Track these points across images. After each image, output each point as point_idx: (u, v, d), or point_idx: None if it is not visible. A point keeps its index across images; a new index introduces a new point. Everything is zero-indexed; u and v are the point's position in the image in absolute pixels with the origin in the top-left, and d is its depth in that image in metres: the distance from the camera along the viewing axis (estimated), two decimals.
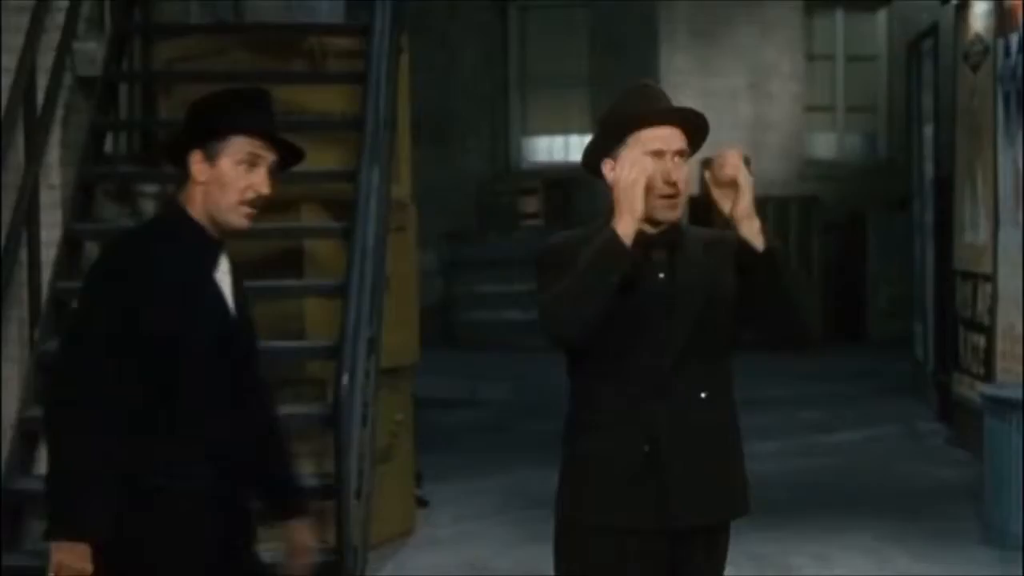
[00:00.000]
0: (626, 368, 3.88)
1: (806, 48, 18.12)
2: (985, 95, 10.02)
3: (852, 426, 11.46)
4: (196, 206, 3.85)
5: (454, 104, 17.98)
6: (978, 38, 10.29)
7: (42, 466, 5.82)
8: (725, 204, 3.85)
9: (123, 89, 7.96)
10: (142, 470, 3.77)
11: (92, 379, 3.68)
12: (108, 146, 7.80)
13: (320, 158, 7.66)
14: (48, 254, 7.02)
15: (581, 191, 15.62)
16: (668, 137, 3.88)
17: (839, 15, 18.35)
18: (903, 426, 11.38)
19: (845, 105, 18.39)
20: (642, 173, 3.80)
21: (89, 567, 3.68)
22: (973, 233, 10.38)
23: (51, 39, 7.18)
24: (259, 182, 3.84)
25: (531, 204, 17.47)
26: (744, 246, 3.85)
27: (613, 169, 3.88)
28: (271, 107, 3.94)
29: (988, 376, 9.64)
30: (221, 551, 3.91)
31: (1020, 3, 9.29)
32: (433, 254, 16.16)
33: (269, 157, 3.87)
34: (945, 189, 11.24)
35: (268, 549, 6.80)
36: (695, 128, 3.93)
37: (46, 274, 6.97)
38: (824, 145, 18.42)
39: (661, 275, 3.91)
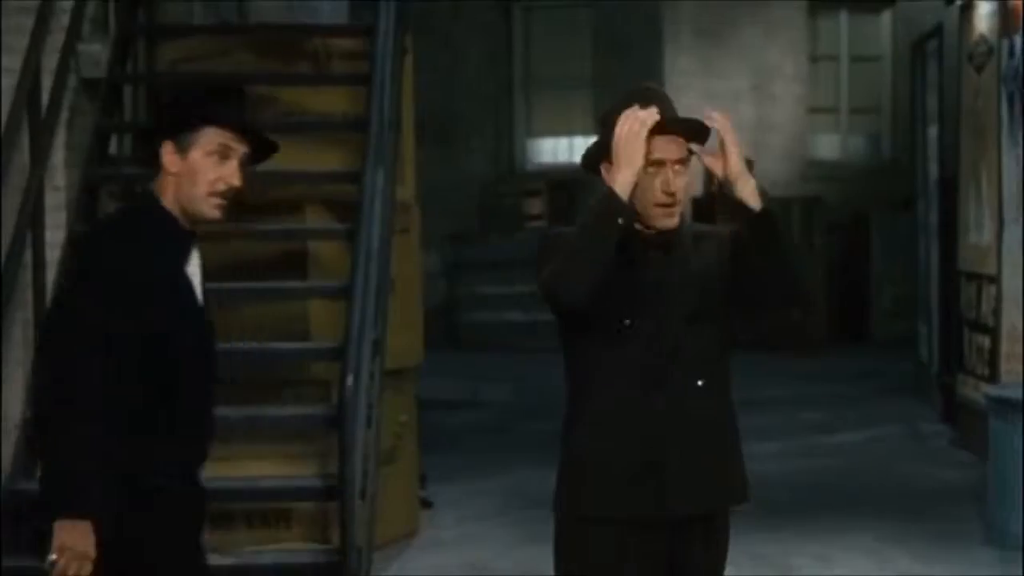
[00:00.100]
0: (623, 362, 3.90)
1: (810, 49, 18.11)
2: (989, 96, 10.01)
3: (854, 427, 11.45)
4: (168, 197, 3.87)
5: (458, 105, 17.98)
6: (982, 39, 10.29)
7: None
8: (717, 167, 3.86)
9: (127, 91, 7.97)
10: (142, 470, 3.77)
11: (90, 379, 3.68)
12: (112, 148, 7.81)
13: (324, 159, 7.69)
14: (52, 256, 7.02)
15: (585, 193, 15.63)
16: (669, 146, 3.89)
17: (843, 16, 18.34)
18: (906, 427, 11.37)
19: (849, 106, 18.38)
20: (643, 125, 3.80)
21: (93, 548, 3.66)
22: (977, 234, 10.38)
23: (55, 40, 7.18)
24: (230, 174, 3.86)
25: (535, 206, 17.46)
26: (741, 211, 3.84)
27: (610, 172, 3.90)
28: (244, 100, 3.96)
29: (992, 377, 9.63)
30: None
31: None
32: (436, 255, 16.15)
33: (241, 149, 3.88)
34: (949, 190, 11.24)
35: (269, 550, 6.83)
36: (697, 132, 3.94)
37: (50, 276, 6.98)
38: (828, 146, 18.41)
39: (656, 269, 3.93)
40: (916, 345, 12.86)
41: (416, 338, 8.27)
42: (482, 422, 12.17)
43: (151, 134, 3.94)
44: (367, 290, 6.86)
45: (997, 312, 9.75)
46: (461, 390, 13.22)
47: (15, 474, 6.57)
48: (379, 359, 7.05)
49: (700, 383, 3.94)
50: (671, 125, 3.88)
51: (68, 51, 7.23)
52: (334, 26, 8.51)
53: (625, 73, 16.20)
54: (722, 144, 3.86)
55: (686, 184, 3.92)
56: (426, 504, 8.65)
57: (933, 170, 12.12)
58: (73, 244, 4.07)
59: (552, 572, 4.05)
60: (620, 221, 3.78)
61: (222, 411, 6.66)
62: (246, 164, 3.91)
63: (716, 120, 3.87)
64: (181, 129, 3.85)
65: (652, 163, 3.86)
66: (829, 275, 16.75)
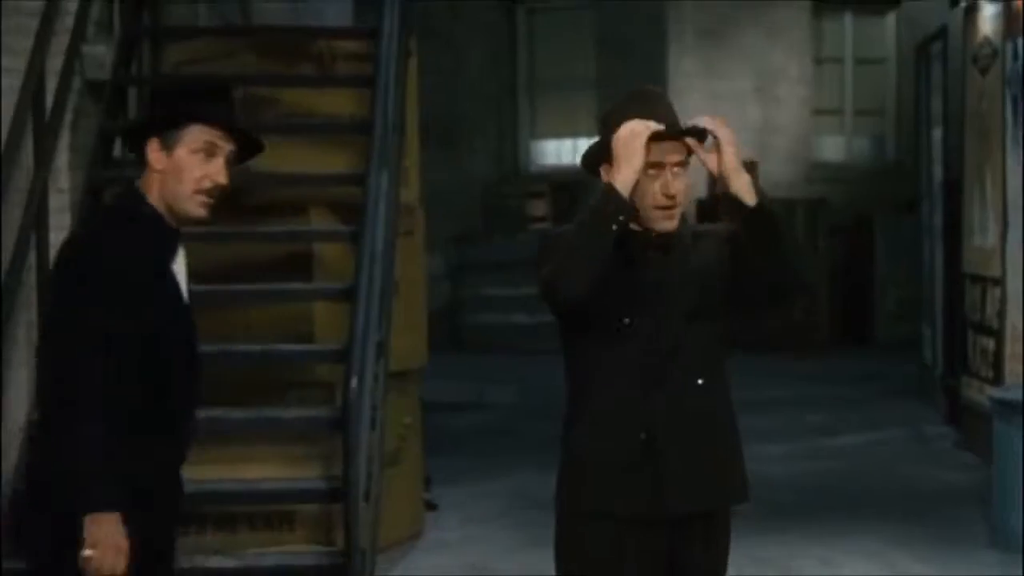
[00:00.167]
0: (623, 361, 3.92)
1: (814, 51, 18.11)
2: (994, 98, 10.01)
3: (858, 429, 11.45)
4: (154, 194, 3.86)
5: (461, 107, 17.98)
6: (987, 41, 10.29)
7: None
8: (712, 163, 3.88)
9: (132, 93, 7.97)
10: (141, 470, 3.77)
11: (92, 379, 3.67)
12: (117, 150, 7.80)
13: (328, 162, 7.70)
14: None
15: (588, 194, 15.60)
16: (667, 149, 3.90)
17: (847, 18, 18.33)
18: (910, 429, 11.36)
19: (853, 108, 18.38)
20: (645, 127, 3.83)
21: (125, 541, 3.65)
22: (982, 236, 10.37)
23: (60, 43, 7.19)
24: (215, 172, 3.85)
25: (538, 207, 17.47)
26: (737, 207, 3.85)
27: (609, 174, 3.92)
28: (231, 98, 3.95)
29: (997, 380, 9.63)
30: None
31: None
32: (440, 257, 16.15)
33: (227, 148, 3.87)
34: (954, 192, 11.23)
35: (272, 552, 6.83)
36: (695, 133, 3.96)
37: None
38: (832, 148, 18.41)
39: (656, 269, 3.95)
40: (920, 347, 12.86)
41: (420, 340, 8.27)
42: (486, 424, 12.17)
43: (138, 131, 3.93)
44: (371, 292, 6.86)
45: (1001, 314, 9.74)
46: (465, 392, 13.21)
47: (18, 476, 6.57)
48: (383, 361, 7.05)
49: (700, 382, 3.95)
50: (670, 133, 3.89)
51: (73, 53, 7.23)
52: (338, 28, 8.52)
53: (628, 75, 16.19)
54: (717, 141, 3.87)
55: (685, 186, 3.94)
56: (430, 506, 8.65)
57: (937, 172, 12.12)
58: (69, 243, 4.01)
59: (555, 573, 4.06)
60: (620, 218, 3.79)
61: (226, 413, 6.72)
62: (232, 163, 3.90)
63: (710, 121, 3.88)
64: (167, 126, 3.84)
65: (651, 165, 3.88)
66: (833, 277, 16.75)
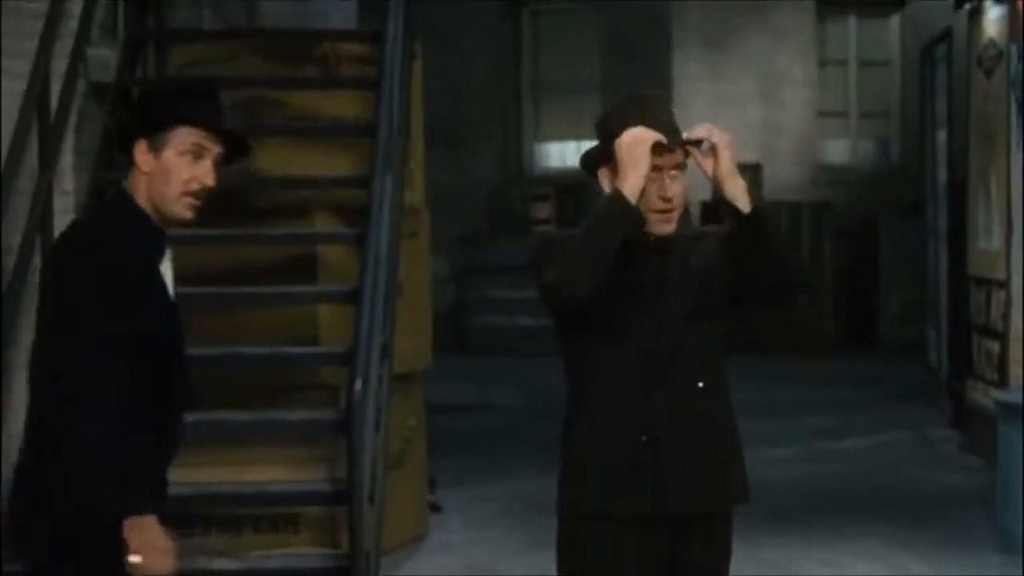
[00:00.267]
0: (623, 362, 3.93)
1: (819, 54, 18.11)
2: (999, 100, 10.01)
3: (863, 432, 11.44)
4: (141, 195, 3.85)
5: (466, 109, 17.99)
6: (992, 43, 10.28)
7: None
8: (707, 167, 3.89)
9: (136, 95, 7.97)
10: (142, 470, 3.77)
11: (108, 382, 3.66)
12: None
13: (333, 164, 7.70)
14: None
15: (593, 197, 15.61)
16: (664, 152, 3.90)
17: (852, 21, 18.33)
18: (914, 432, 11.36)
19: (858, 111, 18.38)
20: (651, 134, 3.84)
21: (167, 539, 3.64)
22: (987, 239, 10.37)
23: (65, 45, 7.19)
24: (203, 174, 3.84)
25: (543, 210, 17.47)
26: (732, 211, 3.86)
27: (608, 178, 3.94)
28: (218, 99, 3.94)
29: (1001, 382, 9.62)
30: None
31: None
32: (445, 260, 16.16)
33: (215, 149, 3.86)
34: (959, 194, 11.23)
35: (277, 554, 6.83)
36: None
37: None
38: (837, 151, 18.40)
39: (655, 270, 3.96)
40: (925, 350, 12.85)
41: (425, 342, 8.28)
42: (491, 426, 12.17)
43: (125, 133, 3.93)
44: (376, 294, 6.86)
45: (1006, 317, 9.74)
46: (470, 394, 13.22)
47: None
48: (388, 363, 7.05)
49: (700, 382, 3.96)
50: (672, 146, 3.90)
51: (77, 55, 7.23)
52: (343, 31, 8.52)
53: (633, 78, 16.20)
54: (712, 145, 3.88)
55: (683, 189, 3.95)
56: (435, 508, 8.65)
57: (942, 175, 12.11)
58: (62, 246, 3.99)
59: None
60: (629, 225, 3.80)
61: (231, 415, 6.72)
62: (220, 164, 3.90)
63: (705, 130, 3.89)
64: (155, 128, 3.83)
65: (649, 169, 3.88)
66: (838, 279, 16.75)
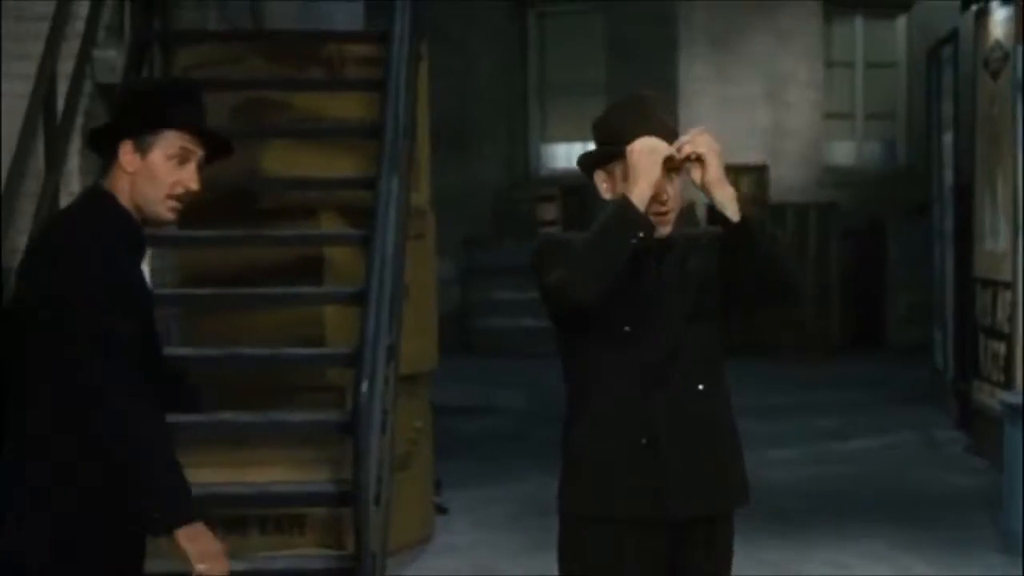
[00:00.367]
0: (623, 362, 3.93)
1: (825, 55, 18.10)
2: (1005, 102, 10.00)
3: (869, 434, 11.44)
4: (123, 195, 3.84)
5: (472, 111, 18.00)
6: (998, 44, 10.28)
7: None
8: (696, 175, 3.90)
9: None
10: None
11: (127, 383, 3.64)
12: None
13: (339, 165, 7.71)
14: None
15: (598, 198, 15.61)
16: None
17: (858, 22, 18.33)
18: (920, 434, 11.35)
19: (864, 112, 18.37)
20: (665, 146, 3.85)
21: (217, 541, 3.63)
22: (993, 240, 10.36)
23: (71, 47, 7.20)
24: (188, 178, 3.84)
25: (549, 211, 17.48)
26: (722, 218, 3.87)
27: (605, 181, 3.95)
28: (202, 101, 3.94)
29: (1008, 384, 9.61)
30: None
31: None
32: (450, 261, 16.17)
33: (199, 152, 3.87)
34: (965, 196, 11.22)
35: (282, 556, 6.84)
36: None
37: None
38: (843, 152, 18.40)
39: (655, 271, 3.96)
40: (931, 351, 12.84)
41: (430, 343, 8.28)
42: (496, 428, 12.18)
43: (109, 131, 3.91)
44: (382, 296, 6.86)
45: (1012, 319, 9.73)
46: (475, 396, 13.22)
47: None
48: (394, 364, 7.05)
49: (700, 384, 3.97)
50: (678, 163, 3.89)
51: (84, 57, 7.24)
52: (349, 32, 8.52)
53: (639, 79, 16.18)
54: (699, 154, 3.88)
55: (679, 191, 3.95)
56: (441, 510, 8.65)
57: (948, 176, 12.11)
58: (46, 244, 3.95)
59: None
60: (640, 234, 3.81)
61: (236, 416, 6.72)
62: (202, 166, 3.91)
63: (696, 139, 3.88)
64: (142, 130, 3.83)
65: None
66: (844, 281, 16.75)
